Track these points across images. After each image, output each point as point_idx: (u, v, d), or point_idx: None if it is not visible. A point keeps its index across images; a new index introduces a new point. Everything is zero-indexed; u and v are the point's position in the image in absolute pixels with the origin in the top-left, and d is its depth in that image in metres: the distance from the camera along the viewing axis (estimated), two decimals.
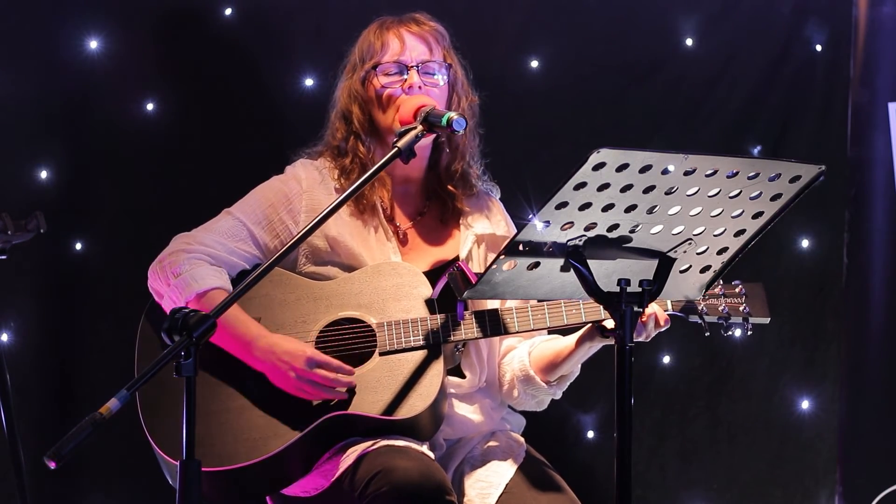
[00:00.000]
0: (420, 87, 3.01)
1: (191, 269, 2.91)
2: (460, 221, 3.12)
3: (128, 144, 4.30)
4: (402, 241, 3.08)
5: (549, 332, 3.10)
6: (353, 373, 2.87)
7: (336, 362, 2.86)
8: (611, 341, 2.46)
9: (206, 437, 2.79)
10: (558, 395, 3.11)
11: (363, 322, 2.94)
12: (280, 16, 4.36)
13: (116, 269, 4.20)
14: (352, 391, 2.87)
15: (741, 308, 2.97)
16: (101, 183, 4.29)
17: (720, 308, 2.97)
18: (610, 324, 2.79)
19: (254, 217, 3.02)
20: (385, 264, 2.99)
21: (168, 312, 2.90)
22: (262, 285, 2.79)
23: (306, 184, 3.06)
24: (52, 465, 2.21)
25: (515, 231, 3.13)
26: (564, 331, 3.03)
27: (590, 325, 2.91)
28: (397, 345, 2.91)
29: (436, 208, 3.14)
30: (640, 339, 2.85)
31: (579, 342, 2.95)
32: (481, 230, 3.12)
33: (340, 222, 3.02)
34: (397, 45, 3.05)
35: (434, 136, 2.98)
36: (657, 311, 2.87)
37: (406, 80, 3.01)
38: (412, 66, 3.02)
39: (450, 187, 3.11)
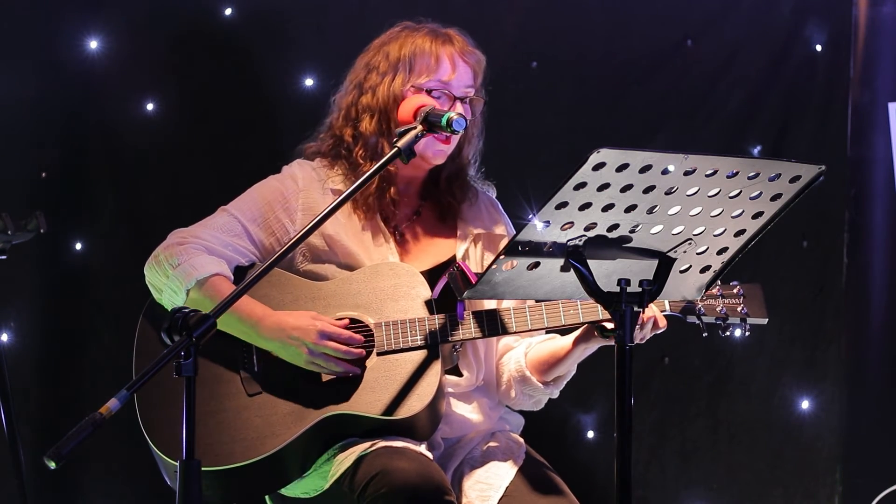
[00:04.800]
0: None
1: (189, 257, 2.91)
2: (457, 220, 3.13)
3: (128, 144, 4.30)
4: (399, 240, 3.08)
5: (547, 332, 3.10)
6: (363, 341, 2.88)
7: (346, 333, 2.87)
8: (610, 342, 2.47)
9: (203, 436, 2.78)
10: (555, 395, 3.11)
11: (361, 322, 2.94)
12: (280, 16, 4.36)
13: (116, 269, 4.21)
14: (349, 390, 2.87)
15: (739, 309, 2.97)
16: (101, 183, 4.30)
17: (718, 309, 2.97)
18: (610, 324, 2.80)
19: (249, 214, 3.02)
20: (383, 265, 2.99)
21: (167, 307, 2.93)
22: (260, 286, 2.79)
23: (303, 183, 3.06)
24: (52, 465, 2.21)
25: (513, 229, 3.16)
26: (562, 331, 3.03)
27: (586, 325, 2.91)
28: (395, 345, 2.90)
29: (432, 207, 3.14)
30: (636, 341, 2.85)
31: (576, 342, 2.95)
32: (478, 229, 3.12)
33: (337, 222, 3.02)
34: (449, 69, 3.02)
35: (450, 144, 3.00)
36: (656, 313, 2.88)
37: (450, 108, 2.98)
38: (458, 97, 3.02)
39: (447, 193, 3.12)
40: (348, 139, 3.07)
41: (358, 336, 2.88)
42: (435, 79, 3.01)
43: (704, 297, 2.95)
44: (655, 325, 2.87)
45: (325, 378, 2.88)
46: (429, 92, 3.00)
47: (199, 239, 2.96)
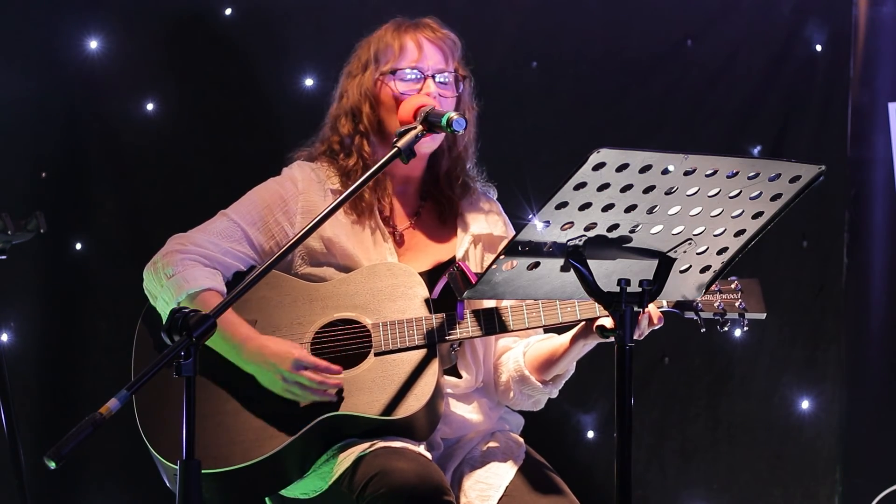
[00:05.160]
0: (437, 97, 3.00)
1: (184, 269, 2.91)
2: (458, 221, 3.12)
3: (128, 144, 4.30)
4: (399, 241, 3.08)
5: (546, 331, 3.10)
6: (341, 372, 2.87)
7: (323, 363, 2.86)
8: (610, 340, 2.47)
9: (202, 438, 2.75)
10: (554, 395, 3.11)
11: (358, 323, 2.94)
12: (280, 16, 4.36)
13: (116, 269, 4.21)
14: (347, 391, 2.87)
15: (737, 304, 2.97)
16: (101, 183, 4.30)
17: (716, 304, 2.96)
18: (609, 323, 2.80)
19: (249, 218, 3.02)
20: (381, 265, 2.98)
21: (162, 314, 2.93)
22: (258, 287, 2.78)
23: (302, 185, 3.06)
24: (52, 465, 2.21)
25: (513, 230, 3.16)
26: (559, 329, 3.03)
27: (583, 322, 2.91)
28: (392, 345, 2.90)
29: (432, 208, 3.14)
30: (634, 337, 2.85)
31: (574, 340, 2.95)
32: (478, 230, 3.12)
33: (336, 223, 3.02)
34: (415, 52, 3.04)
35: (439, 136, 2.99)
36: (651, 309, 2.87)
37: (422, 88, 3.01)
38: (429, 75, 3.02)
39: (447, 189, 3.12)
40: (335, 146, 3.09)
41: (336, 367, 2.87)
42: (401, 63, 3.02)
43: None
44: (651, 321, 2.87)
45: (304, 405, 2.88)
46: (394, 73, 3.01)
47: (197, 246, 2.95)
